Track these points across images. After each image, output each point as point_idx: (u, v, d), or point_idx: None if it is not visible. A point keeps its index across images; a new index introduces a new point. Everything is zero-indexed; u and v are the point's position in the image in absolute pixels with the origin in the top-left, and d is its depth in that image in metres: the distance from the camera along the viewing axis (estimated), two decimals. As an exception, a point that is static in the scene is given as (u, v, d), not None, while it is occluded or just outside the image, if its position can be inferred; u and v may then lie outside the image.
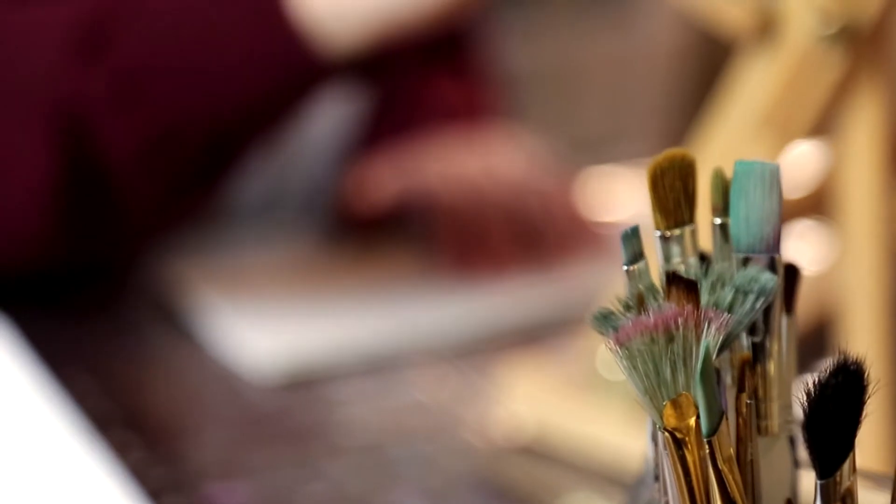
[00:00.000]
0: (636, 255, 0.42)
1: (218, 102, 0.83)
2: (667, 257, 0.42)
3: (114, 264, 0.94)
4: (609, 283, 0.72)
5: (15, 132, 0.83)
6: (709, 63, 1.90)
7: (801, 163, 0.77)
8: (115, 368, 0.82)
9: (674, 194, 0.42)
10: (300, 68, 0.82)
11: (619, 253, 0.42)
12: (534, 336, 0.86)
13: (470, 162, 0.97)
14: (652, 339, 0.39)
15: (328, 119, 1.04)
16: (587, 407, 0.73)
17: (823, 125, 0.67)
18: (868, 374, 0.37)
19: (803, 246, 0.84)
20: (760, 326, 0.42)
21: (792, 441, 0.43)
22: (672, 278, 0.40)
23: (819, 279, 0.74)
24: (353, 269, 0.95)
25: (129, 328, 0.88)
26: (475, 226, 0.93)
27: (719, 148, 0.66)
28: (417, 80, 1.05)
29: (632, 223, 0.43)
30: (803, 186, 0.78)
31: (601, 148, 1.70)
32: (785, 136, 0.66)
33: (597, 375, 0.73)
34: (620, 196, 1.06)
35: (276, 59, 0.82)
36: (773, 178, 0.41)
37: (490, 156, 0.99)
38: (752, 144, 0.66)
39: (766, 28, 0.66)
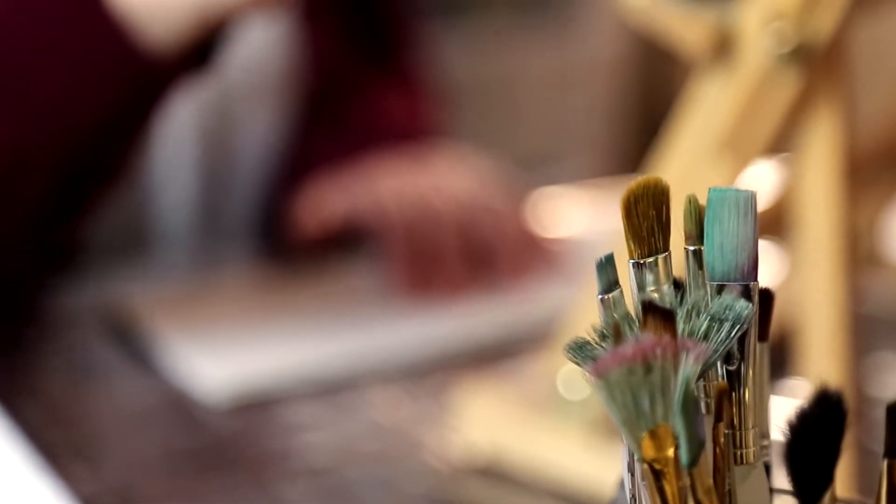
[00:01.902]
0: (611, 284, 0.42)
1: (60, 124, 0.80)
2: (641, 285, 0.42)
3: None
4: (569, 305, 0.72)
5: None
6: (650, 75, 1.91)
7: (759, 181, 0.78)
8: (64, 397, 0.81)
9: (647, 222, 0.42)
10: (134, 69, 0.80)
11: (576, 275, 0.42)
12: (489, 356, 0.85)
13: (419, 180, 0.97)
14: (630, 371, 0.38)
15: (256, 136, 1.03)
16: (544, 428, 0.72)
17: (781, 144, 0.68)
18: (847, 404, 0.37)
19: (761, 264, 0.84)
20: (736, 354, 0.41)
21: (767, 468, 0.42)
22: (648, 307, 0.40)
23: (777, 296, 0.74)
24: (304, 291, 0.94)
25: (77, 355, 0.86)
26: (427, 244, 0.92)
27: (678, 169, 0.66)
28: (361, 98, 1.05)
29: (598, 250, 0.43)
30: (761, 205, 0.78)
31: (544, 164, 1.70)
32: (743, 156, 0.66)
33: (555, 395, 0.72)
34: (569, 214, 1.06)
35: (107, 62, 0.79)
36: (748, 205, 0.41)
37: (439, 173, 0.98)
38: (711, 165, 0.66)
39: (722, 48, 0.66)
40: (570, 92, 1.97)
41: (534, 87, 1.96)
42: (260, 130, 1.03)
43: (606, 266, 0.42)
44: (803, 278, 0.67)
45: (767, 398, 0.42)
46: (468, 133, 1.36)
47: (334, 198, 0.96)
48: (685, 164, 0.66)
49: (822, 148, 0.66)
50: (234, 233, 1.02)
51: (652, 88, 1.82)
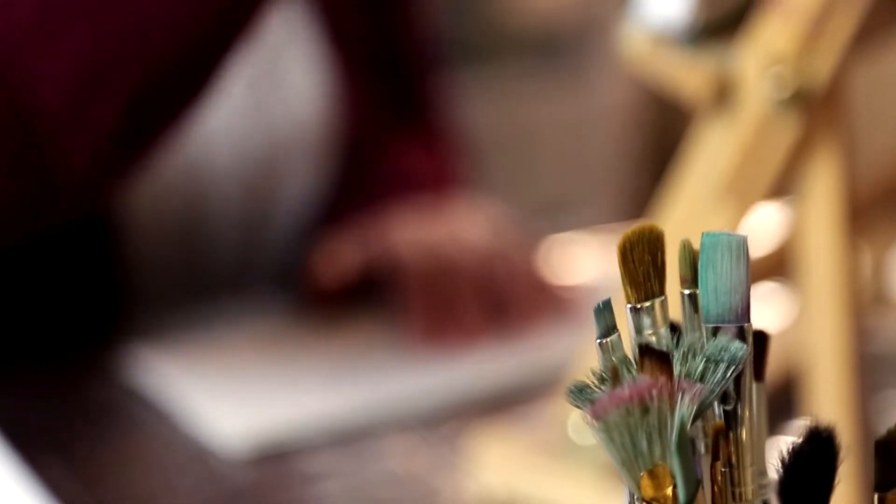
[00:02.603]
0: (609, 329, 0.43)
1: (151, 29, 0.78)
2: (638, 329, 0.43)
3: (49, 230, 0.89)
4: (576, 350, 0.73)
5: None
6: (663, 122, 1.92)
7: (762, 225, 0.79)
8: (85, 450, 0.82)
9: (643, 267, 0.43)
10: None
11: (588, 321, 0.43)
12: (503, 403, 0.86)
13: (435, 229, 0.98)
14: (627, 412, 0.39)
15: (295, 190, 1.05)
16: (557, 473, 0.73)
17: (783, 187, 0.69)
18: (839, 440, 0.38)
19: (767, 307, 0.85)
20: (732, 394, 0.42)
21: (766, 505, 0.43)
22: (645, 350, 0.41)
23: (783, 339, 0.75)
24: (321, 341, 0.95)
25: (98, 408, 0.88)
26: (442, 294, 0.94)
27: (682, 215, 0.67)
28: (382, 149, 1.06)
29: (604, 296, 0.44)
30: (765, 248, 0.79)
31: (559, 210, 1.72)
32: (746, 200, 0.67)
33: (567, 441, 0.73)
34: (583, 261, 1.07)
35: None
36: (740, 248, 0.42)
37: (455, 223, 0.99)
38: (714, 210, 0.67)
39: (723, 94, 0.67)
40: (584, 139, 1.99)
41: (548, 135, 1.98)
42: (299, 185, 1.04)
43: (604, 311, 0.43)
44: (807, 321, 0.68)
45: (765, 437, 0.43)
46: (483, 180, 1.37)
47: (351, 248, 0.98)
48: (689, 209, 0.68)
49: (823, 191, 0.67)
50: (260, 284, 1.04)
51: (666, 134, 1.83)
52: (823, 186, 0.67)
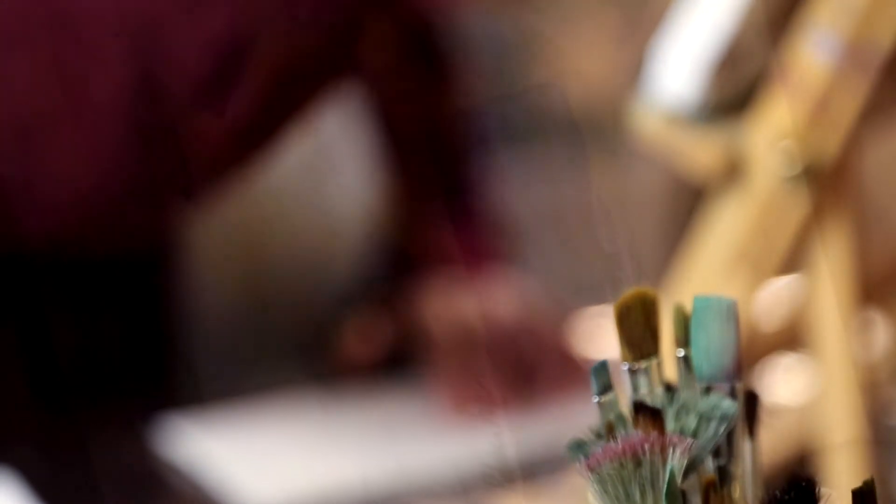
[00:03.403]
0: (605, 387, 0.45)
1: (283, 19, 0.79)
2: (634, 388, 0.45)
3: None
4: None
5: (84, 49, 0.78)
6: (700, 202, 1.94)
7: (776, 298, 0.80)
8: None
9: (639, 329, 0.45)
10: None
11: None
12: (531, 471, 0.88)
13: (466, 304, 1.00)
14: (621, 464, 0.42)
15: (344, 268, 1.07)
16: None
17: (795, 260, 0.71)
18: (819, 490, 0.40)
19: (785, 379, 0.86)
20: (724, 450, 0.44)
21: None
22: (639, 407, 0.44)
23: (800, 411, 0.76)
24: (354, 411, 0.97)
25: (133, 475, 0.89)
26: (469, 366, 0.96)
27: (695, 286, 0.70)
28: (422, 226, 1.09)
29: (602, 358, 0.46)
30: (779, 320, 0.81)
31: (595, 289, 1.73)
32: (757, 273, 0.69)
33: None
34: (612, 334, 1.09)
35: None
36: (730, 311, 0.44)
37: (486, 297, 1.02)
38: (727, 281, 0.69)
39: (734, 169, 0.69)
40: (623, 218, 2.00)
41: (587, 214, 2.00)
42: (348, 262, 1.07)
43: (601, 371, 0.45)
44: (819, 393, 0.70)
45: (759, 493, 0.45)
46: (523, 258, 1.39)
47: (384, 321, 1.01)
48: (702, 280, 0.70)
49: (832, 264, 0.69)
50: (284, 353, 1.06)
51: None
52: (833, 260, 0.69)
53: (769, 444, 0.49)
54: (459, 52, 1.11)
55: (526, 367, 0.97)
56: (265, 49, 0.79)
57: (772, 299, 0.80)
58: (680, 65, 0.70)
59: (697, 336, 0.45)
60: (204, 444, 0.92)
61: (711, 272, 0.70)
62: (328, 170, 0.98)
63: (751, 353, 0.71)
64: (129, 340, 0.98)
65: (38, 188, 0.83)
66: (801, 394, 0.81)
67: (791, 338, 0.80)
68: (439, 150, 1.12)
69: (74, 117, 0.79)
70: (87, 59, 0.79)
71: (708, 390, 0.44)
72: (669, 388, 0.46)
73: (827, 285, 0.69)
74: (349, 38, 0.82)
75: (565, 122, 2.04)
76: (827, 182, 0.68)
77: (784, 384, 0.85)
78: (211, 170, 0.85)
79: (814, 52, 0.68)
